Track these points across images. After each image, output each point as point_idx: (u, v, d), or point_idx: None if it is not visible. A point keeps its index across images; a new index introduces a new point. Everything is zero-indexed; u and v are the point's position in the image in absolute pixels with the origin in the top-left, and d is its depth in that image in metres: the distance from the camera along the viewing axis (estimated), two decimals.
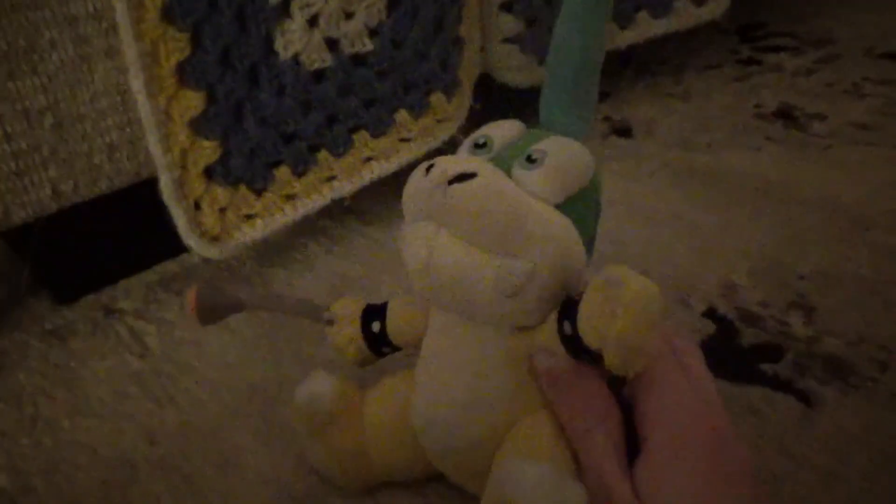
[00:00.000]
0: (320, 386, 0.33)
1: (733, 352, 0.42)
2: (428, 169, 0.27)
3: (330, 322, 0.35)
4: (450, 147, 0.55)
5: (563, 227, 0.27)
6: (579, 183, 0.28)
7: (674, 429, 0.25)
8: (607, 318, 0.24)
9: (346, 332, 0.34)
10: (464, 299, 0.27)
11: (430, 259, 0.27)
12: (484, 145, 0.29)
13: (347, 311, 0.35)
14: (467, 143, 0.30)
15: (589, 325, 0.25)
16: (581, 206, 0.28)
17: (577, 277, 0.28)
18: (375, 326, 0.34)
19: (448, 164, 0.27)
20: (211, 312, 0.35)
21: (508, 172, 0.27)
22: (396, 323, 0.34)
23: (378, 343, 0.34)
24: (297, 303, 0.36)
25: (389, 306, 0.34)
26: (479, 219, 0.26)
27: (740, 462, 0.25)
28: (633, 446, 0.27)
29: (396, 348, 0.35)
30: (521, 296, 0.26)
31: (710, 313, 0.45)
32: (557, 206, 0.27)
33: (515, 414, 0.29)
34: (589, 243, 0.29)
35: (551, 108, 0.30)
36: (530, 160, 0.27)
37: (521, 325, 0.28)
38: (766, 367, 0.40)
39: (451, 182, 0.26)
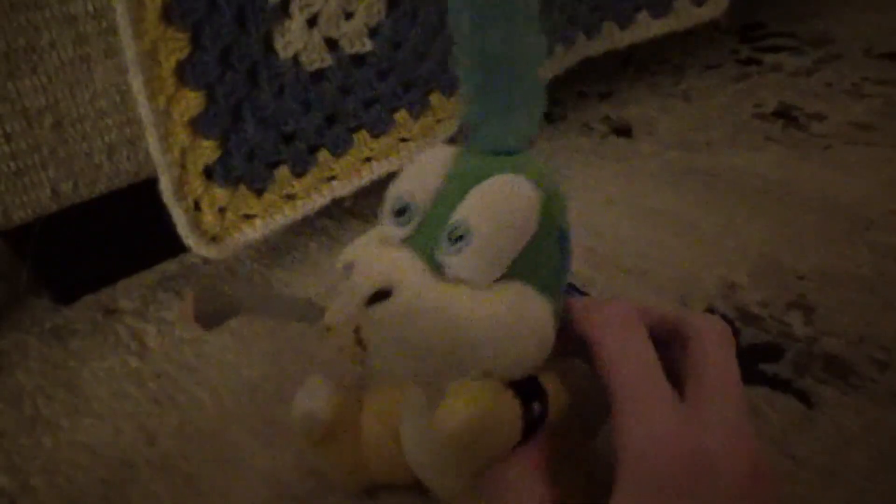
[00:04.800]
0: (317, 403, 0.32)
1: None
2: (349, 268, 0.25)
3: (326, 329, 0.35)
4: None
5: (502, 318, 0.23)
6: (521, 240, 0.24)
7: (642, 465, 0.23)
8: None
9: (343, 340, 0.34)
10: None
11: (377, 348, 0.25)
12: (404, 212, 0.25)
13: (342, 317, 0.35)
14: (388, 205, 0.26)
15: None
16: (534, 255, 0.24)
17: (542, 344, 0.25)
18: None
19: (362, 277, 0.24)
20: (210, 317, 0.34)
21: (433, 259, 0.24)
22: None
23: None
24: (295, 305, 0.36)
25: None
26: (404, 345, 0.24)
27: (731, 479, 0.23)
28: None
29: None
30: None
31: (710, 313, 0.45)
32: (499, 278, 0.24)
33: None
34: (557, 277, 0.26)
35: (477, 123, 0.25)
36: (454, 239, 0.23)
37: None
38: (766, 367, 0.40)
39: (368, 302, 0.23)
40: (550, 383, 0.26)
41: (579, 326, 0.27)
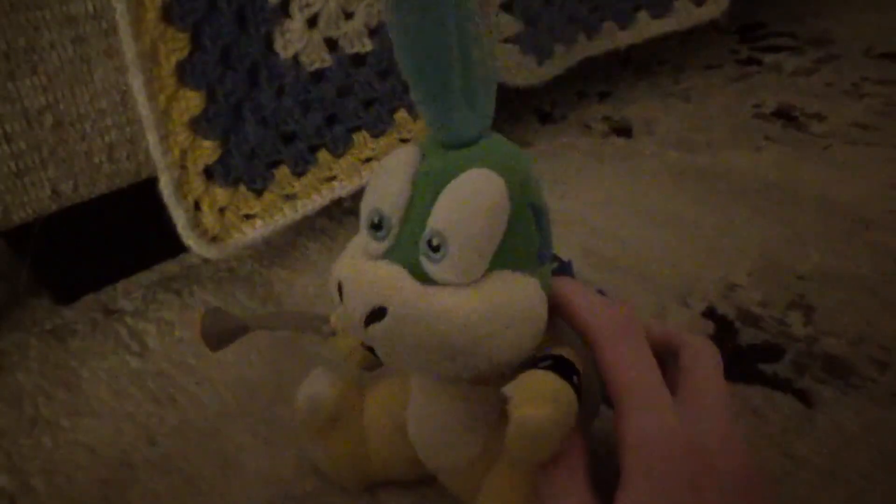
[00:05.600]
0: (321, 388, 0.33)
1: (733, 352, 0.42)
2: (339, 289, 0.25)
3: (331, 334, 0.35)
4: None
5: (494, 308, 0.24)
6: (497, 235, 0.24)
7: (649, 456, 0.24)
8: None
9: (348, 343, 0.35)
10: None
11: (389, 358, 0.26)
12: (380, 226, 0.25)
13: (345, 322, 0.35)
14: (363, 219, 0.26)
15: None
16: (511, 241, 0.25)
17: (536, 324, 0.26)
18: None
19: (354, 300, 0.24)
20: (217, 338, 0.36)
21: (417, 266, 0.24)
22: None
23: None
24: (299, 318, 0.37)
25: None
26: (405, 357, 0.25)
27: (728, 477, 0.24)
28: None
29: None
30: (483, 375, 0.26)
31: (710, 313, 0.45)
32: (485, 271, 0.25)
33: (500, 443, 0.29)
34: (537, 254, 0.27)
35: (430, 118, 0.25)
36: (433, 247, 0.24)
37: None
38: (766, 367, 0.40)
39: (365, 323, 0.24)
40: (571, 357, 0.26)
41: (583, 327, 0.27)
